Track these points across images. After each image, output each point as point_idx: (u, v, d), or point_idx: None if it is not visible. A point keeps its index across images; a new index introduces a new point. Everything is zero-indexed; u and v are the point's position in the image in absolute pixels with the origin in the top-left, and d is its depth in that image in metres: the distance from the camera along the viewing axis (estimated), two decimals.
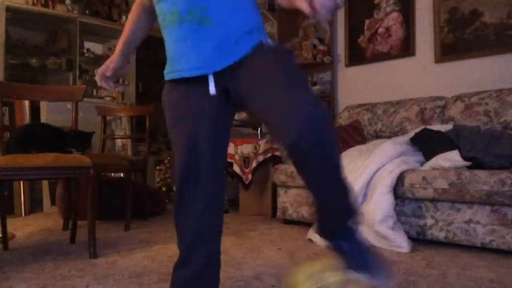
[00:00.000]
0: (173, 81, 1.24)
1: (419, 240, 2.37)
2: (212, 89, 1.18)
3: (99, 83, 1.47)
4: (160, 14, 1.24)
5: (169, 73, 1.25)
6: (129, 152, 4.52)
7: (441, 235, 2.26)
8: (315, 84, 3.99)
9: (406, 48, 3.46)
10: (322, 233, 1.26)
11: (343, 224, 1.18)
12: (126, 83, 4.86)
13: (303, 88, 1.11)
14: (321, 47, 3.90)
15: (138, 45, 1.53)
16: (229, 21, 1.16)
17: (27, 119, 3.88)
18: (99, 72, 1.46)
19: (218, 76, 1.16)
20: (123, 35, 1.45)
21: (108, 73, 1.45)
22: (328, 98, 3.97)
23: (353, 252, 1.17)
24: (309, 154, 1.04)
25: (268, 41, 1.22)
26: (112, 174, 3.91)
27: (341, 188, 1.13)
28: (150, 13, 1.40)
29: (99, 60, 4.79)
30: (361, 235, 1.22)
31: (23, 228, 2.97)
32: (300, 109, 1.03)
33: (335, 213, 1.18)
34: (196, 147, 1.20)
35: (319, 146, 1.03)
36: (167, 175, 4.62)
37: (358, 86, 3.80)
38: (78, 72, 4.40)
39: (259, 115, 1.19)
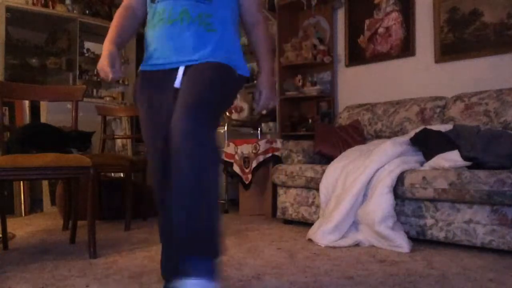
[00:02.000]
0: (148, 72, 1.42)
1: (419, 240, 2.37)
2: (177, 83, 1.35)
3: (108, 73, 1.33)
4: (157, 11, 1.38)
5: (152, 64, 1.41)
6: (129, 152, 4.52)
7: (441, 235, 2.26)
8: (315, 84, 3.99)
9: (406, 48, 3.46)
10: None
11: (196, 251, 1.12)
12: (126, 83, 4.86)
13: (208, 106, 1.22)
14: (321, 47, 3.90)
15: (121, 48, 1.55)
16: (224, 33, 1.39)
17: (27, 119, 3.88)
18: (104, 64, 1.34)
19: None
20: (110, 37, 1.42)
21: (106, 68, 1.35)
22: (328, 98, 3.97)
23: None
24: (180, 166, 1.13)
25: (240, 65, 1.43)
26: (112, 174, 3.91)
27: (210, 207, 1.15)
28: (138, 19, 1.51)
29: (99, 60, 4.79)
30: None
31: (23, 228, 2.97)
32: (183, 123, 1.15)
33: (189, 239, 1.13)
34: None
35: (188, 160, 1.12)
36: None
37: (358, 86, 3.80)
38: (78, 72, 4.41)
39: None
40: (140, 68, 1.48)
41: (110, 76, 1.33)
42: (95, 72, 4.73)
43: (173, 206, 1.15)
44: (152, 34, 1.41)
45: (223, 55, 1.37)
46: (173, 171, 1.14)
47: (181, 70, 1.36)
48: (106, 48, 1.39)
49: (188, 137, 1.13)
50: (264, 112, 1.56)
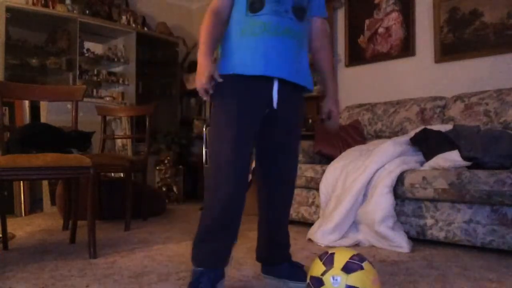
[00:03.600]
0: (240, 77, 1.48)
1: (419, 240, 2.37)
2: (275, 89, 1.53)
3: (208, 91, 1.44)
4: (261, 22, 1.48)
5: (263, 70, 1.48)
6: (129, 152, 4.52)
7: (441, 235, 2.26)
8: (315, 84, 3.98)
9: (406, 48, 3.46)
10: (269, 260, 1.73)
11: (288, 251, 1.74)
12: (126, 83, 4.86)
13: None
14: None
15: None
16: (304, 57, 1.59)
17: (27, 119, 3.88)
18: (206, 84, 1.42)
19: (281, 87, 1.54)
20: (208, 45, 1.47)
21: (207, 81, 1.42)
22: None
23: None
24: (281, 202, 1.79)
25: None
26: (112, 174, 3.91)
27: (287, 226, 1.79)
28: (225, 25, 1.56)
29: (99, 60, 4.79)
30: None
31: (23, 228, 2.97)
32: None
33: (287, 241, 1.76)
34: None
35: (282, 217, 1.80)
36: (167, 175, 4.62)
37: (358, 86, 3.80)
38: (78, 72, 4.40)
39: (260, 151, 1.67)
40: (231, 71, 1.49)
41: (209, 96, 1.45)
42: (95, 72, 4.73)
43: (284, 224, 1.79)
44: (250, 43, 1.48)
45: (309, 76, 1.59)
46: (278, 193, 1.75)
47: (276, 85, 1.51)
48: (205, 64, 1.43)
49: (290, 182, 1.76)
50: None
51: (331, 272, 1.24)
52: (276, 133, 1.58)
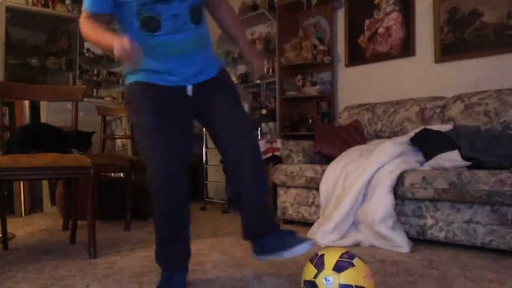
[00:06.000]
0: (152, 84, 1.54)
1: (419, 240, 2.37)
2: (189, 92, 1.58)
3: (132, 56, 1.35)
4: (158, 44, 1.49)
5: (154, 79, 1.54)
6: (129, 152, 4.52)
7: (441, 235, 2.26)
8: (315, 84, 4.00)
9: (406, 48, 3.46)
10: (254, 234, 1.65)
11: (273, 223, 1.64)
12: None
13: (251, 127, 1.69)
14: (321, 47, 3.90)
15: None
16: (208, 52, 1.64)
17: (27, 119, 3.88)
18: (127, 46, 1.32)
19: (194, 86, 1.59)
20: (100, 36, 1.45)
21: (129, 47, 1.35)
22: (328, 98, 3.97)
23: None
24: (245, 178, 1.56)
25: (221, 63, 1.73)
26: (112, 174, 3.91)
27: (268, 201, 1.64)
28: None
29: (99, 60, 4.80)
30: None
31: (23, 228, 2.97)
32: (247, 143, 1.58)
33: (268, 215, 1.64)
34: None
35: (254, 172, 1.57)
36: None
37: (358, 86, 3.80)
38: (78, 72, 4.41)
39: (213, 129, 1.64)
40: (141, 79, 1.55)
41: (138, 55, 1.36)
42: (95, 72, 4.73)
43: (260, 193, 1.61)
44: (154, 65, 1.52)
45: (214, 61, 1.66)
46: (250, 172, 1.57)
47: (189, 88, 1.58)
48: (112, 37, 1.38)
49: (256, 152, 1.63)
50: (260, 78, 1.83)
51: (323, 273, 1.24)
52: (212, 110, 1.61)
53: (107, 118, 3.66)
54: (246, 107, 4.17)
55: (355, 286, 1.22)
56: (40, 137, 2.30)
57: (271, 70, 4.33)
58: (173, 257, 1.59)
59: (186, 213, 1.56)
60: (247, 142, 1.59)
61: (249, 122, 1.73)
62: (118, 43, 1.32)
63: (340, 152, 2.98)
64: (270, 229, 1.60)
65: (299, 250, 1.50)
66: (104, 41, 1.43)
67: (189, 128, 1.62)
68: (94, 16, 1.51)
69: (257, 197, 1.60)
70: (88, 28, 1.50)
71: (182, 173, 1.50)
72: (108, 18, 1.55)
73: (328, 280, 1.23)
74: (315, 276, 1.25)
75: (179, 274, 1.58)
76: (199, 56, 1.57)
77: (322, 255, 1.30)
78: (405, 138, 2.69)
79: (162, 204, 1.50)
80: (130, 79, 1.58)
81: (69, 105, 3.19)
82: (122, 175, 3.75)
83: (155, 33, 1.47)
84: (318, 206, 2.82)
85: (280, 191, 3.12)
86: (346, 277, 1.23)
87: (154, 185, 1.48)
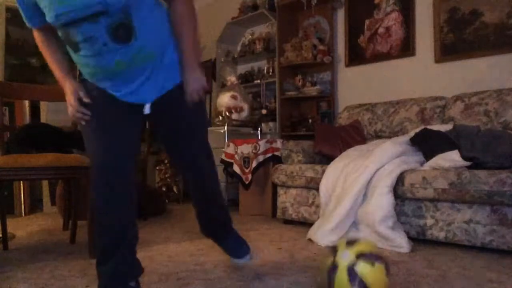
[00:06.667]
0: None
1: (419, 240, 2.37)
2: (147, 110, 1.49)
3: (78, 115, 1.44)
4: (87, 65, 1.41)
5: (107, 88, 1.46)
6: None
7: (441, 235, 2.26)
8: (315, 84, 3.99)
9: (406, 48, 3.46)
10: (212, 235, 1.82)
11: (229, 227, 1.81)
12: None
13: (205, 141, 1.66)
14: (321, 47, 3.90)
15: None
16: (157, 63, 1.48)
17: (27, 119, 3.88)
18: (73, 103, 1.44)
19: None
20: (57, 71, 1.50)
21: (73, 102, 1.45)
22: (328, 98, 3.97)
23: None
24: (199, 188, 1.69)
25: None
26: None
27: (221, 206, 1.77)
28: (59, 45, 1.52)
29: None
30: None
31: (23, 228, 2.97)
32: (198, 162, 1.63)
33: (223, 221, 1.79)
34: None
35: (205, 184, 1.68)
36: (167, 175, 4.62)
37: (358, 86, 3.80)
38: (78, 72, 4.40)
39: (168, 145, 1.64)
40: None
41: (79, 117, 1.44)
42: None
43: (212, 204, 1.74)
44: (95, 84, 1.47)
45: (172, 73, 1.50)
46: (202, 183, 1.68)
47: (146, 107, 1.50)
48: (65, 87, 1.46)
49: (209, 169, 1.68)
50: (195, 100, 1.52)
51: (338, 254, 1.38)
52: (166, 127, 1.58)
53: None
54: (246, 107, 4.18)
55: (371, 253, 1.35)
56: (40, 137, 2.30)
57: (271, 70, 4.33)
58: (112, 272, 1.42)
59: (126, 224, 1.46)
60: (199, 176, 1.66)
61: (204, 154, 1.67)
62: (68, 99, 1.44)
63: (340, 152, 2.98)
64: (223, 236, 1.81)
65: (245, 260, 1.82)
66: (57, 79, 1.49)
67: (132, 134, 1.51)
68: (39, 28, 1.46)
69: (211, 216, 1.77)
70: (41, 47, 1.50)
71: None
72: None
73: (346, 254, 1.35)
74: (334, 261, 1.37)
75: None
76: (134, 73, 1.40)
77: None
78: (405, 138, 2.69)
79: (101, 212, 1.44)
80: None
81: None
82: None
83: (79, 53, 1.37)
84: (318, 206, 2.82)
85: (280, 191, 3.12)
86: (359, 247, 1.35)
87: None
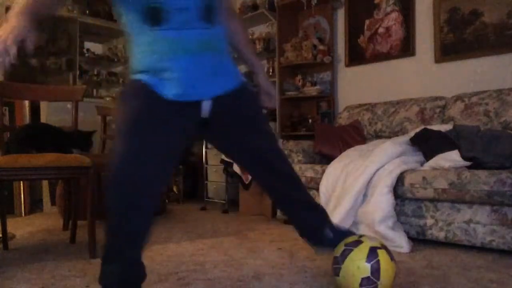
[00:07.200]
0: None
1: (419, 240, 2.37)
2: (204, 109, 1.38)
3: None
4: (163, 39, 1.30)
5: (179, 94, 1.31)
6: None
7: (441, 235, 2.26)
8: (315, 84, 3.99)
9: (406, 48, 3.46)
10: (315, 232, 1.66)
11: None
12: (126, 83, 4.85)
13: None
14: (321, 47, 3.90)
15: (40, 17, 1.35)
16: (223, 59, 1.44)
17: (27, 119, 3.88)
18: (7, 37, 1.17)
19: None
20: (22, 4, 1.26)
21: (9, 41, 1.18)
22: (328, 98, 3.97)
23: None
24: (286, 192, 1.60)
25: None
26: None
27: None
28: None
29: (99, 60, 4.79)
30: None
31: (23, 228, 2.97)
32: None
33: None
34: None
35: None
36: None
37: (358, 86, 3.80)
38: (78, 72, 4.41)
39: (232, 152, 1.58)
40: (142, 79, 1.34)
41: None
42: (95, 72, 4.73)
43: (305, 196, 1.65)
44: (158, 65, 1.31)
45: (233, 73, 1.46)
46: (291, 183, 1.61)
47: (205, 104, 1.37)
48: (11, 21, 1.19)
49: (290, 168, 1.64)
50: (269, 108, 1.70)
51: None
52: (233, 138, 1.48)
53: (107, 118, 3.66)
54: None
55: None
56: (40, 137, 2.30)
57: (271, 70, 4.33)
58: (119, 273, 1.31)
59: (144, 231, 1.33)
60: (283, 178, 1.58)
61: (280, 150, 1.63)
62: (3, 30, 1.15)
63: (340, 152, 2.98)
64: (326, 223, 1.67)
65: None
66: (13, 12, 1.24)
67: (175, 150, 1.37)
68: None
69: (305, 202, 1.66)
70: None
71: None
72: None
73: (373, 239, 1.48)
74: (359, 238, 1.47)
75: None
76: (208, 59, 1.34)
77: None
78: (405, 138, 2.69)
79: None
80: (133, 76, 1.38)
81: (69, 105, 3.19)
82: None
83: (158, 27, 1.28)
84: None
85: None
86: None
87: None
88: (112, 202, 1.26)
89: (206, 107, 1.36)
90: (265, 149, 1.53)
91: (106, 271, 1.31)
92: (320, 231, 1.63)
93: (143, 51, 1.32)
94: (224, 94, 1.39)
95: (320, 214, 1.68)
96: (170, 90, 1.30)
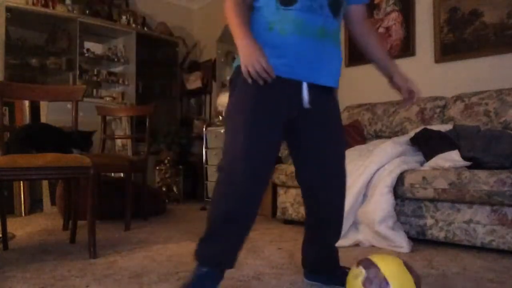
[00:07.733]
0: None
1: (419, 240, 2.37)
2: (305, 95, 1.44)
3: (264, 74, 1.29)
4: (288, 19, 1.39)
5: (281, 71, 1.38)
6: (129, 152, 4.52)
7: (441, 235, 2.26)
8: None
9: (406, 48, 3.46)
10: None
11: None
12: (126, 83, 4.86)
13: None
14: None
15: None
16: (336, 53, 1.55)
17: (27, 119, 3.88)
18: (265, 63, 1.29)
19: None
20: (241, 26, 1.37)
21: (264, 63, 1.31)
22: None
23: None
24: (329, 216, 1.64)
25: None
26: (112, 174, 3.91)
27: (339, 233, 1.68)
28: (248, 6, 1.47)
29: (99, 60, 4.79)
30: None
31: (23, 228, 2.97)
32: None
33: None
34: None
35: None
36: (167, 175, 4.62)
37: (358, 86, 3.80)
38: (78, 72, 4.40)
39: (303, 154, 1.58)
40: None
41: (270, 72, 1.30)
42: (95, 72, 4.73)
43: (331, 239, 1.66)
44: (278, 42, 1.39)
45: (338, 75, 1.52)
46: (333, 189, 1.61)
47: (305, 87, 1.43)
48: (250, 44, 1.32)
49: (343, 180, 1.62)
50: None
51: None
52: (311, 135, 1.50)
53: (107, 118, 3.66)
54: None
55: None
56: (40, 137, 2.30)
57: None
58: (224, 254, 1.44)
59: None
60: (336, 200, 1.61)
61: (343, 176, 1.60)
62: (254, 52, 1.29)
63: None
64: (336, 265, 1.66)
65: None
66: (239, 39, 1.36)
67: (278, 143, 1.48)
68: None
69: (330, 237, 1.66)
70: (231, 10, 1.41)
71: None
72: None
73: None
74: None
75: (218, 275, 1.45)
76: (326, 48, 1.43)
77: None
78: (405, 138, 2.69)
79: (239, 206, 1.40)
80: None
81: (69, 105, 3.18)
82: (122, 175, 3.75)
83: (289, 7, 1.37)
84: None
85: (280, 191, 3.12)
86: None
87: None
88: (232, 192, 1.37)
89: (305, 98, 1.43)
90: (332, 166, 1.55)
91: (212, 248, 1.41)
92: (329, 270, 1.64)
93: (268, 28, 1.40)
94: (326, 87, 1.47)
95: (334, 260, 1.66)
96: (282, 67, 1.37)
